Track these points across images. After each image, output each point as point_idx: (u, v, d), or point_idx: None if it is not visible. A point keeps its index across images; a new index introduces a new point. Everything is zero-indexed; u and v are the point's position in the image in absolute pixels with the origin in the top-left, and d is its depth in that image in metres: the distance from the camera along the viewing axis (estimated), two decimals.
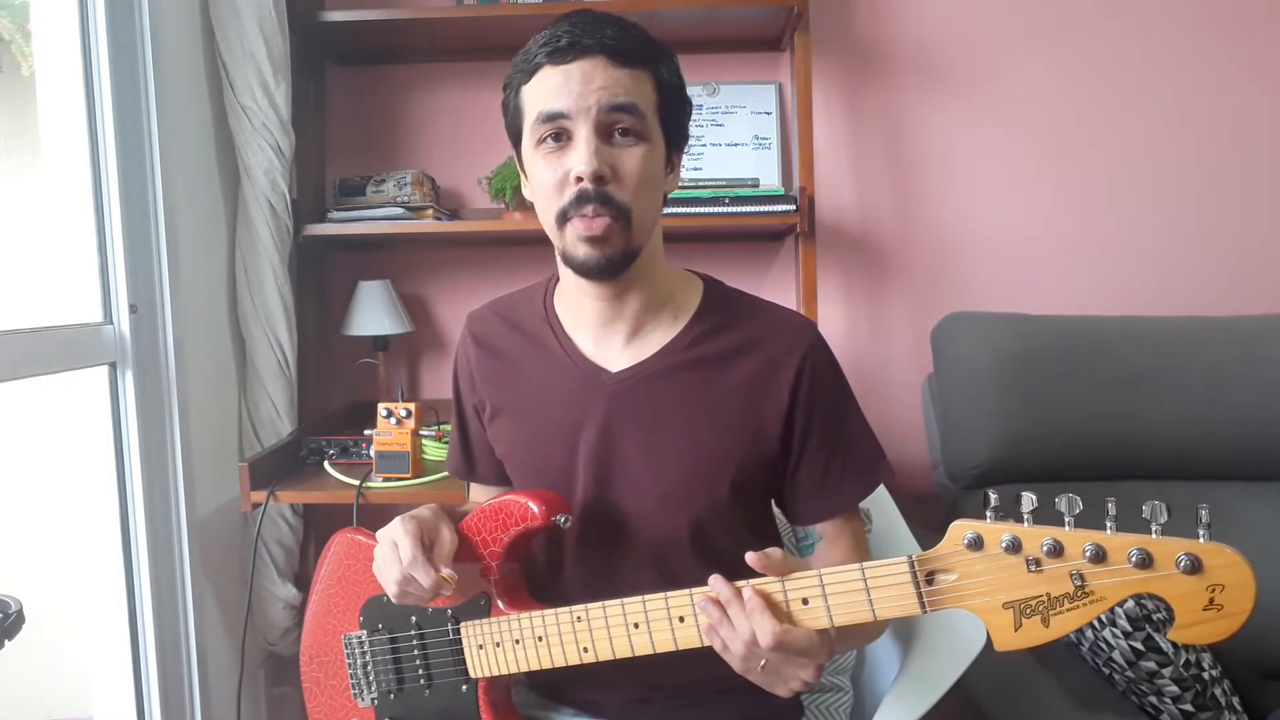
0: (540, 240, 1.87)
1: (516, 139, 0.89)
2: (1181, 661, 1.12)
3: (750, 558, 0.72)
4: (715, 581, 0.74)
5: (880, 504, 1.24)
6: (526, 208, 1.67)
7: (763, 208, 1.63)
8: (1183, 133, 1.81)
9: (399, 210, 1.67)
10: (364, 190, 1.73)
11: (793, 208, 1.62)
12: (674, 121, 0.87)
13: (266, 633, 1.67)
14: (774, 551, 0.73)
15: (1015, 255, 1.85)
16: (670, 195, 0.91)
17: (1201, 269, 1.83)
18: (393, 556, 0.81)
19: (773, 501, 0.97)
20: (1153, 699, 1.12)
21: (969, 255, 1.85)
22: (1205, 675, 1.13)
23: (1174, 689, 1.10)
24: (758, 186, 1.78)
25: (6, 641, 0.95)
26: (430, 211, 1.70)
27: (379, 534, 0.84)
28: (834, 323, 1.86)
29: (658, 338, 0.90)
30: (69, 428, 1.37)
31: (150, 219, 1.39)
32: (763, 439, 0.88)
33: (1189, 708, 1.10)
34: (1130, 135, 1.82)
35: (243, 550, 1.64)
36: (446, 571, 0.80)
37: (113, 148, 1.34)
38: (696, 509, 0.88)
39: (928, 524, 1.52)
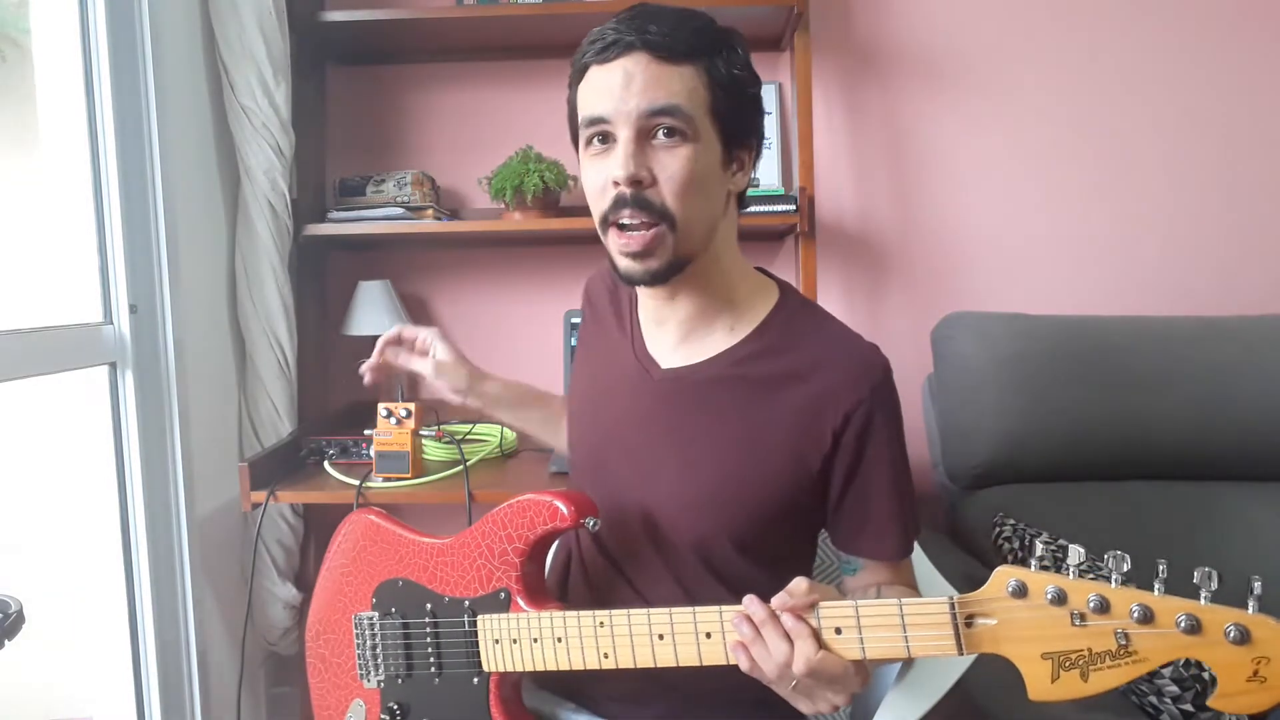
0: (540, 240, 1.87)
1: (575, 141, 0.87)
2: (1181, 661, 1.12)
3: (774, 602, 0.70)
4: (750, 602, 0.72)
5: None
6: (526, 207, 1.67)
7: (763, 208, 1.63)
8: (1183, 132, 1.81)
9: (399, 210, 1.67)
10: (364, 190, 1.73)
11: (793, 208, 1.62)
12: (732, 116, 0.82)
13: (266, 633, 1.67)
14: (797, 585, 0.70)
15: (1015, 255, 1.85)
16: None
17: (1201, 269, 1.83)
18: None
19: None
20: (1153, 699, 1.12)
21: (969, 255, 1.85)
22: (1205, 675, 1.13)
23: (1174, 689, 1.10)
24: (758, 186, 1.78)
25: (6, 641, 0.94)
26: (430, 211, 1.70)
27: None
28: None
29: (711, 344, 0.89)
30: (69, 428, 1.37)
31: (150, 219, 1.39)
32: (796, 475, 0.84)
33: (1189, 708, 1.10)
34: (1130, 135, 1.82)
35: (243, 550, 1.64)
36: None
37: (113, 148, 1.34)
38: (705, 528, 0.85)
39: (928, 524, 1.52)
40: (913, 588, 0.91)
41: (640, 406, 0.89)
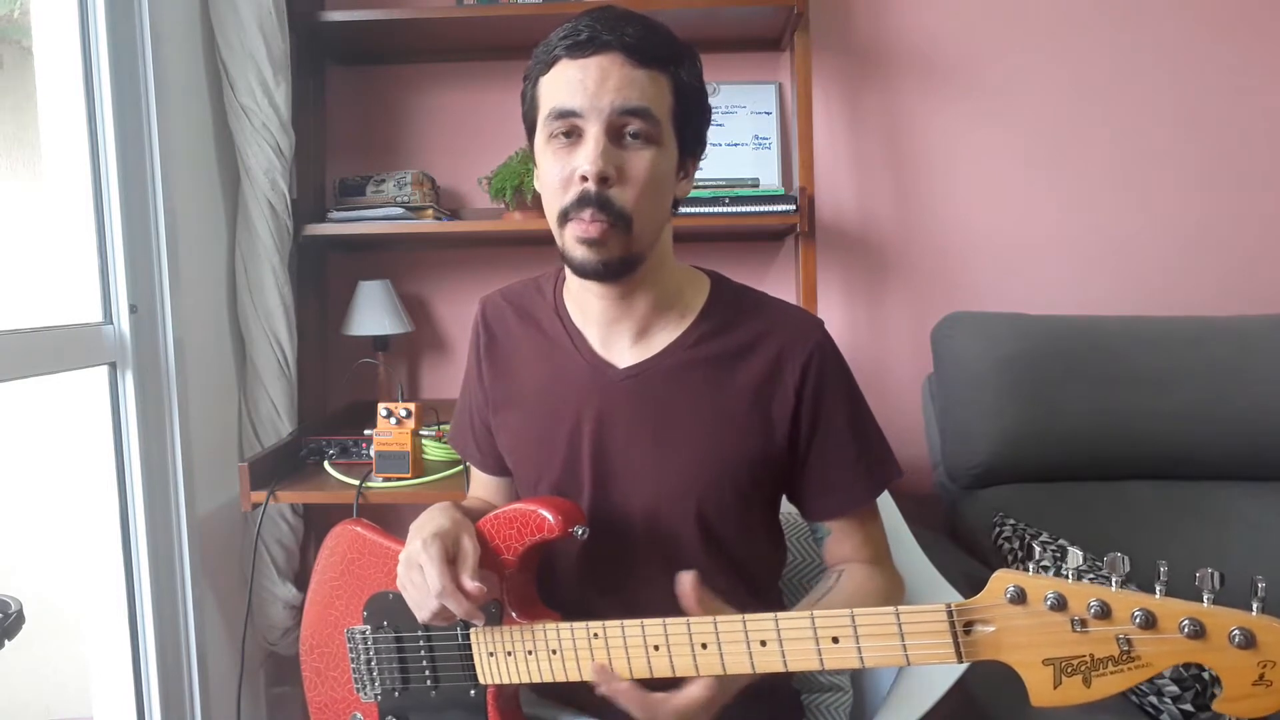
0: (540, 240, 1.87)
1: (531, 130, 0.88)
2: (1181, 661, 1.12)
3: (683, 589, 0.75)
4: (597, 672, 0.78)
5: (880, 504, 1.24)
6: (527, 207, 1.67)
7: (763, 208, 1.63)
8: (1183, 132, 1.81)
9: (399, 210, 1.67)
10: (364, 190, 1.73)
11: (793, 208, 1.62)
12: (690, 127, 0.86)
13: (266, 633, 1.68)
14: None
15: (1015, 255, 1.85)
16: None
17: (1201, 269, 1.83)
18: (421, 584, 0.78)
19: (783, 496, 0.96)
20: (1153, 699, 1.12)
21: (969, 255, 1.85)
22: (1205, 675, 1.13)
23: (1174, 689, 1.10)
24: (758, 186, 1.78)
25: (6, 641, 0.95)
26: (430, 211, 1.69)
27: (402, 555, 0.81)
28: (834, 323, 1.86)
29: (665, 336, 0.90)
30: (69, 428, 1.37)
31: (150, 219, 1.39)
32: (770, 438, 0.88)
33: (1189, 708, 1.10)
34: (1130, 135, 1.82)
35: (243, 550, 1.64)
36: (473, 585, 0.77)
37: (113, 148, 1.34)
38: (703, 507, 0.87)
39: (928, 524, 1.52)
40: (877, 561, 0.93)
41: (604, 409, 0.89)
